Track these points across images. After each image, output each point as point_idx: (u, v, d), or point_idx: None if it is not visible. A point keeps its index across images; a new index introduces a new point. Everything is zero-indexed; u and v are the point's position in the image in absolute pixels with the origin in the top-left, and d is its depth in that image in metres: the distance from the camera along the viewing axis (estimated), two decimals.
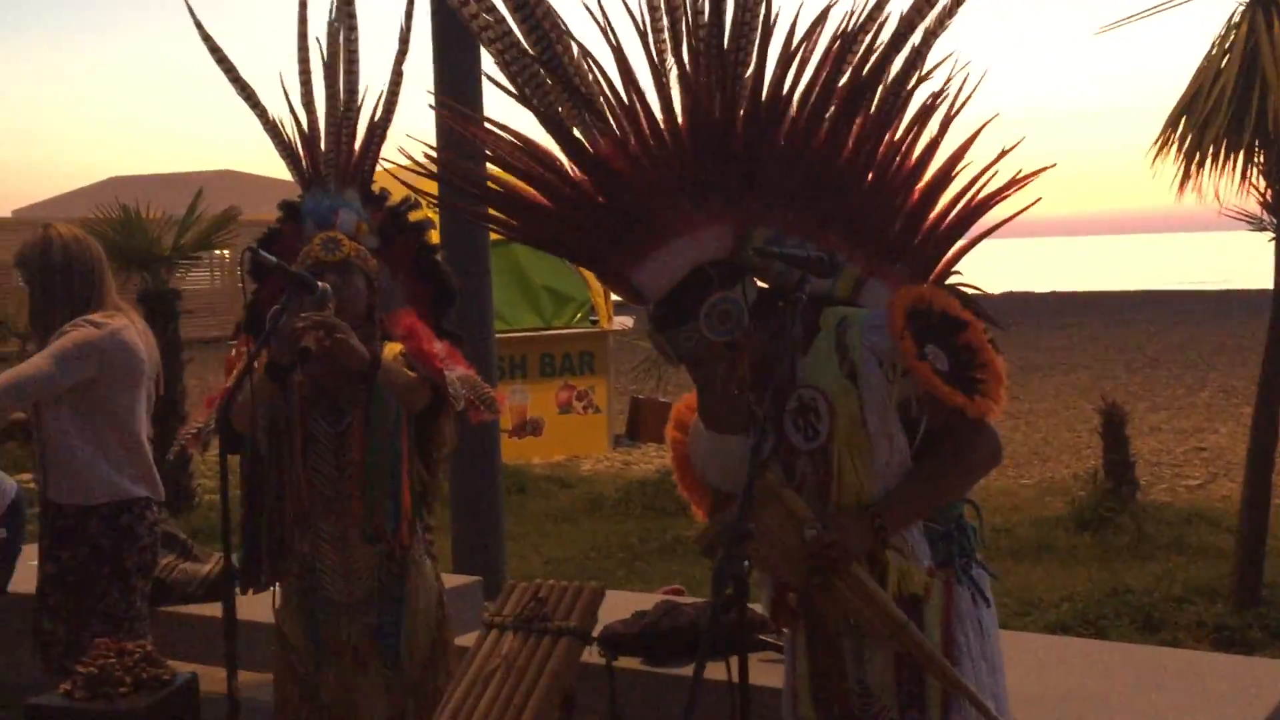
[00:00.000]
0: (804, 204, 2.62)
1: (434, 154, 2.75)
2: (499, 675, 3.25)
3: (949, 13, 2.58)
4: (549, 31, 2.56)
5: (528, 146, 2.60)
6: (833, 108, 2.58)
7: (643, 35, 2.57)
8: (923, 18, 2.57)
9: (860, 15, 2.56)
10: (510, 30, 2.58)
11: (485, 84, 5.62)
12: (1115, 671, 4.00)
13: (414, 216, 3.86)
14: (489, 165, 2.81)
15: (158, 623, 4.70)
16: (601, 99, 2.57)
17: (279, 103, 3.78)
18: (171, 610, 5.11)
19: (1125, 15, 6.63)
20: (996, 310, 2.73)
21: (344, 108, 3.79)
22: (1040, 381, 16.27)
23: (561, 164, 2.59)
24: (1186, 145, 6.13)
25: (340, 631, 3.58)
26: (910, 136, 2.64)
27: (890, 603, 2.52)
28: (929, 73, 2.62)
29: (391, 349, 3.57)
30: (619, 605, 4.31)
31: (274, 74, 3.84)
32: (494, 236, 5.62)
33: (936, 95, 2.63)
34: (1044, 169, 2.73)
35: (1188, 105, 6.17)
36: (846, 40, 2.56)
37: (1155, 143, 6.29)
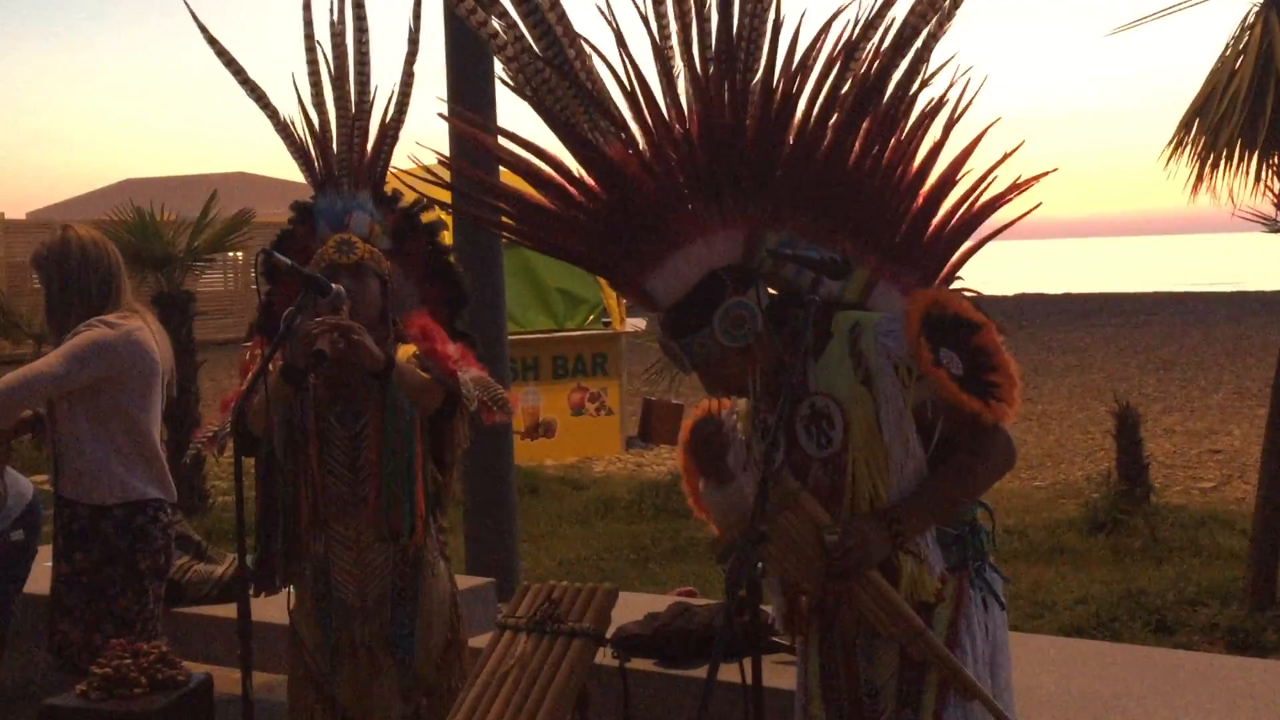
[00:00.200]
0: (814, 209, 2.63)
1: (446, 162, 2.76)
2: (513, 676, 3.25)
3: (948, 16, 2.59)
4: (560, 36, 2.57)
5: (540, 152, 2.60)
6: (838, 114, 2.59)
7: (653, 40, 2.57)
8: (926, 23, 2.58)
9: (863, 21, 2.57)
10: (521, 35, 2.58)
11: (498, 92, 5.65)
12: (1129, 674, 4.00)
13: (426, 218, 3.86)
14: (501, 172, 2.81)
15: (172, 624, 4.71)
16: (612, 102, 2.57)
17: (290, 104, 3.80)
18: (186, 611, 5.13)
19: (1138, 16, 6.63)
20: (1010, 312, 2.74)
21: (355, 109, 3.80)
22: (1054, 383, 16.23)
23: (573, 170, 2.59)
24: (1200, 146, 6.12)
25: (355, 633, 3.59)
26: (914, 141, 2.65)
27: (907, 608, 2.52)
28: (932, 76, 2.63)
29: (405, 351, 3.57)
30: (632, 607, 4.32)
31: (285, 74, 3.85)
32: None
33: (940, 100, 2.63)
34: (1045, 174, 2.74)
35: (1201, 106, 6.16)
36: (850, 46, 2.56)
37: (1169, 144, 6.28)
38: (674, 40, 2.58)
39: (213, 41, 3.88)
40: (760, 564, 2.50)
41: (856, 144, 2.61)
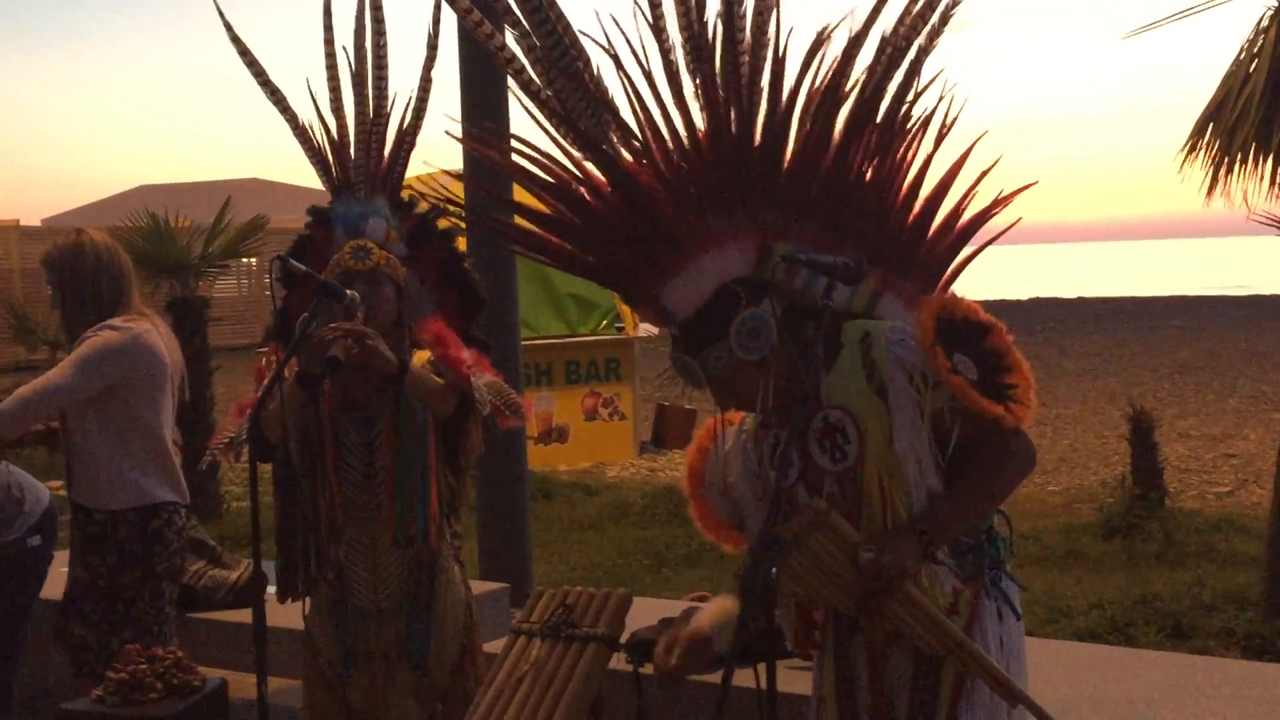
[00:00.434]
0: (821, 219, 2.63)
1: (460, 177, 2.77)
2: (527, 681, 3.25)
3: (937, 32, 2.60)
4: (570, 48, 2.57)
5: (554, 160, 2.60)
6: (838, 126, 2.60)
7: (663, 51, 2.58)
8: (918, 34, 2.59)
9: (857, 35, 2.57)
10: (534, 45, 2.58)
11: (512, 108, 5.66)
12: (1144, 679, 3.98)
13: (442, 224, 3.87)
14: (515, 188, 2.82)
15: (187, 629, 4.72)
16: (622, 112, 2.58)
17: (308, 109, 3.81)
18: (201, 616, 5.13)
19: (1154, 19, 6.62)
20: (1024, 316, 2.75)
21: (373, 115, 3.81)
22: (1068, 387, 16.19)
23: (588, 180, 2.60)
24: (1215, 150, 6.11)
25: (369, 638, 3.60)
26: (910, 152, 2.66)
27: (945, 619, 2.49)
28: (925, 87, 2.63)
29: (420, 356, 3.58)
30: (646, 612, 4.31)
31: (302, 80, 3.87)
32: None
33: (931, 113, 2.64)
34: (1026, 186, 2.76)
35: (1216, 110, 6.15)
36: (846, 58, 2.57)
37: (1183, 147, 6.27)
38: (678, 51, 2.58)
39: (236, 40, 3.89)
40: (774, 570, 2.48)
41: (857, 156, 2.62)
